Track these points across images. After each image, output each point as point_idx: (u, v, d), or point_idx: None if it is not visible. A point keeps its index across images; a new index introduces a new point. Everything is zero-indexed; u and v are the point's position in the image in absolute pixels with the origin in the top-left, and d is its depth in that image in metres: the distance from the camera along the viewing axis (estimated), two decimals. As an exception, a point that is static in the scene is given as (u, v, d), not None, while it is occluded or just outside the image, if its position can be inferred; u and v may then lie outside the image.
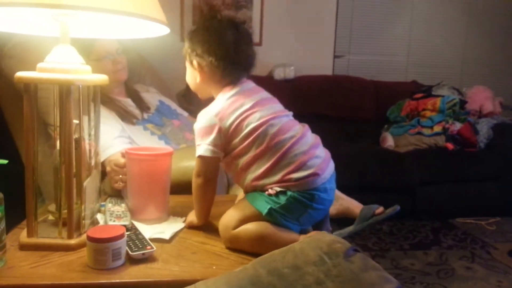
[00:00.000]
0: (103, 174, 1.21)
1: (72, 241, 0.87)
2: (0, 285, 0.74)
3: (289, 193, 0.87)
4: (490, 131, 2.86)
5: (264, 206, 0.88)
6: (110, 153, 1.34)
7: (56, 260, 0.83)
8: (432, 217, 2.69)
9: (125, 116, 1.52)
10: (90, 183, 0.94)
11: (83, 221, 0.91)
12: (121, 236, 0.81)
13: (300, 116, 1.03)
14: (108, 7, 0.81)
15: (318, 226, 1.01)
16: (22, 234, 0.90)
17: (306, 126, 0.97)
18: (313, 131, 0.97)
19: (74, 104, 0.87)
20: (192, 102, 2.20)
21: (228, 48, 0.92)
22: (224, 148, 0.93)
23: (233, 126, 0.90)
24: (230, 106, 0.92)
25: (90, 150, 0.98)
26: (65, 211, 0.89)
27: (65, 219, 0.89)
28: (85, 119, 0.95)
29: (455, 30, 3.56)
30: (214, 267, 0.82)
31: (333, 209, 1.23)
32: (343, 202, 1.33)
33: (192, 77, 1.00)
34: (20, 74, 0.84)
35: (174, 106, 1.82)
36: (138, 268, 0.81)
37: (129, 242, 0.86)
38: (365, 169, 2.56)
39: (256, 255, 0.79)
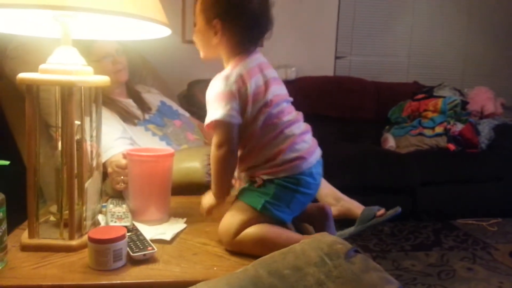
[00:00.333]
0: (105, 175, 1.21)
1: (74, 242, 0.87)
2: (2, 286, 0.74)
3: (276, 181, 0.88)
4: (492, 132, 2.85)
5: (257, 201, 0.88)
6: (111, 154, 1.34)
7: (58, 261, 0.83)
8: (433, 218, 2.68)
9: (127, 117, 1.52)
10: (92, 184, 0.94)
11: (85, 222, 0.91)
12: (122, 237, 0.81)
13: (301, 117, 1.03)
14: (109, 8, 0.81)
15: (322, 230, 1.01)
16: (23, 235, 0.90)
17: (300, 114, 0.97)
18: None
19: (76, 105, 0.87)
20: (193, 103, 2.21)
21: (255, 10, 0.90)
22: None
23: (251, 95, 0.87)
24: (249, 73, 0.89)
25: (91, 151, 0.98)
26: (67, 212, 0.89)
27: (67, 220, 0.89)
28: (86, 120, 0.95)
29: (456, 31, 3.55)
30: (215, 268, 0.82)
31: (334, 210, 1.24)
32: (344, 203, 1.33)
33: (205, 36, 0.93)
34: (22, 75, 0.84)
35: (175, 106, 1.82)
36: (139, 269, 0.81)
37: (130, 243, 0.86)
38: (366, 169, 2.55)
39: (257, 256, 0.79)
